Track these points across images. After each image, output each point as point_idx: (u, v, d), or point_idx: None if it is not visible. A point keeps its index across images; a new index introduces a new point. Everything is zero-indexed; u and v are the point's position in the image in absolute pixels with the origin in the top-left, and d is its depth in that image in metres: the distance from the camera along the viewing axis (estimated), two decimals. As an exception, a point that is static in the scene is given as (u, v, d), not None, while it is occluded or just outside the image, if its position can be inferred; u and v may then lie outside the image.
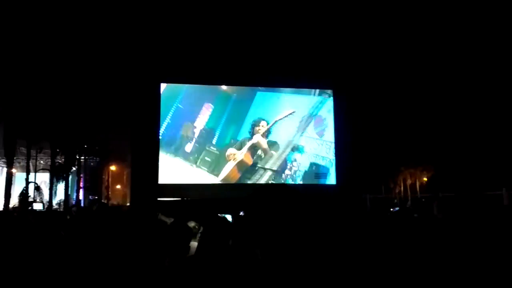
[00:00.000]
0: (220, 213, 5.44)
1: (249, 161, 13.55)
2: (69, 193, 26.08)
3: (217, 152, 13.40)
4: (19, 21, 18.89)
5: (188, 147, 13.28)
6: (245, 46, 14.61)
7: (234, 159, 13.44)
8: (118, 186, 51.26)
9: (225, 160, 13.40)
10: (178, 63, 13.93)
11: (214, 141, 13.47)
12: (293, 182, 13.53)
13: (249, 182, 13.38)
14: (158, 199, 12.21)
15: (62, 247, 3.08)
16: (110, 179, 42.23)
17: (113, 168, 43.06)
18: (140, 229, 2.64)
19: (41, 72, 19.14)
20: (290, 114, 13.84)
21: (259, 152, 13.69)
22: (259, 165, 13.51)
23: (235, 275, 1.54)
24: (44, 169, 25.52)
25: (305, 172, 13.93)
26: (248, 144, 13.58)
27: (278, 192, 1.36)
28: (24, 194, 20.57)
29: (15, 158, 20.50)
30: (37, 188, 23.78)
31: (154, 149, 13.08)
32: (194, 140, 13.39)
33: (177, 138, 13.35)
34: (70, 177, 25.84)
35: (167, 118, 13.37)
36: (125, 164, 39.89)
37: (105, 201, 29.15)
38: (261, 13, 16.19)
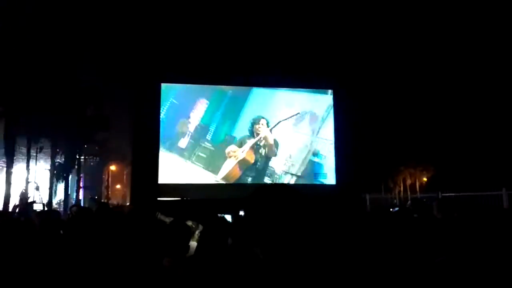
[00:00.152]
0: (219, 213, 5.45)
1: (251, 159, 13.55)
2: (69, 192, 26.09)
3: (212, 148, 13.39)
4: (19, 21, 18.90)
5: (183, 143, 13.28)
6: (244, 46, 14.60)
7: (235, 157, 13.45)
8: (118, 186, 51.32)
9: (221, 157, 13.39)
10: (178, 63, 13.93)
11: (208, 137, 13.47)
12: (293, 182, 13.53)
13: (249, 181, 13.39)
14: (158, 199, 12.22)
15: (62, 247, 3.08)
16: (110, 179, 42.30)
17: (113, 168, 43.13)
18: (140, 228, 2.64)
19: (41, 71, 19.15)
20: (295, 115, 13.86)
21: (262, 151, 13.69)
22: (268, 166, 13.58)
23: (234, 275, 1.54)
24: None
25: (304, 172, 13.93)
26: (250, 142, 13.58)
27: (278, 191, 1.36)
28: (24, 194, 20.56)
29: (14, 157, 20.48)
30: (37, 188, 23.78)
31: (154, 149, 13.08)
32: (189, 135, 13.39)
33: (172, 134, 13.36)
34: (70, 176, 25.85)
35: (161, 114, 13.38)
36: (125, 163, 39.95)
37: (105, 201, 29.14)
38: (260, 12, 16.19)
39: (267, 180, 13.50)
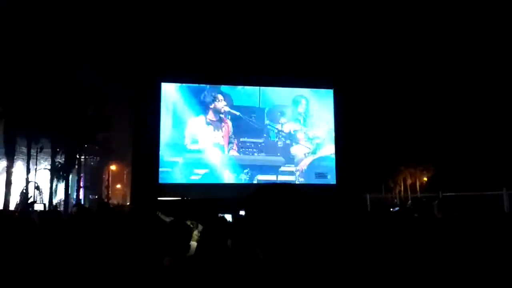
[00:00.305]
0: (220, 213, 5.45)
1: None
2: (69, 192, 26.11)
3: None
4: (20, 20, 18.90)
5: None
6: (243, 46, 14.60)
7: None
8: (118, 186, 51.36)
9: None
10: (179, 63, 13.93)
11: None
12: (293, 181, 13.54)
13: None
14: (158, 198, 12.22)
15: (63, 246, 3.08)
16: (110, 179, 42.33)
17: (113, 167, 43.15)
18: (140, 228, 2.65)
19: (42, 70, 19.16)
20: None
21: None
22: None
23: (234, 275, 1.54)
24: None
25: (305, 171, 13.94)
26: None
27: (280, 191, 1.36)
28: (24, 194, 20.59)
29: (15, 157, 20.49)
30: (37, 188, 23.81)
31: (154, 148, 13.09)
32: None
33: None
34: (70, 176, 25.86)
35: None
36: (125, 163, 39.98)
37: (106, 200, 29.14)
38: (260, 12, 16.19)
39: (266, 177, 13.50)
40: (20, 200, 19.45)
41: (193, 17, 16.39)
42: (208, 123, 13.66)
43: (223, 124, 13.72)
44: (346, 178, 13.79)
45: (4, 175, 20.10)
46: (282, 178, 13.61)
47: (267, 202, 1.31)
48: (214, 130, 13.65)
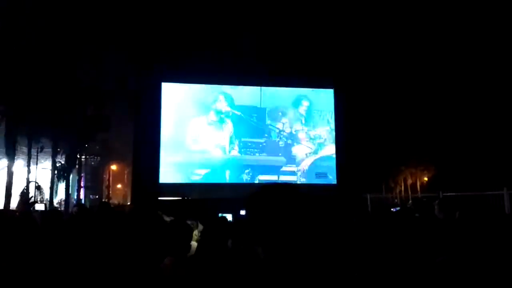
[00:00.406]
0: (220, 213, 5.46)
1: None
2: (70, 192, 26.13)
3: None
4: (20, 21, 18.92)
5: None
6: (244, 46, 14.59)
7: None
8: (119, 186, 51.39)
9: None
10: (179, 63, 13.92)
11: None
12: (294, 181, 13.53)
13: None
14: (159, 198, 12.22)
15: (64, 246, 3.09)
16: (111, 179, 42.35)
17: (113, 167, 43.17)
18: (141, 228, 2.65)
19: (42, 71, 19.16)
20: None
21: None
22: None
23: (235, 274, 1.54)
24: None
25: (306, 171, 13.94)
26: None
27: (281, 191, 1.36)
28: (25, 194, 20.60)
29: (15, 157, 20.50)
30: (38, 188, 23.83)
31: (155, 148, 13.09)
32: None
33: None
34: (71, 176, 25.88)
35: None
36: (125, 163, 39.99)
37: (106, 200, 29.16)
38: (261, 12, 16.18)
39: (267, 177, 13.50)
40: (21, 200, 19.45)
41: (194, 17, 16.38)
42: (209, 123, 13.65)
43: (224, 124, 13.72)
44: (347, 178, 13.79)
45: (5, 175, 20.10)
46: (284, 178, 13.60)
47: (268, 202, 1.32)
48: (215, 130, 13.64)
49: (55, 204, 24.27)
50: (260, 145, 13.82)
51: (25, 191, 21.08)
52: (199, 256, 2.85)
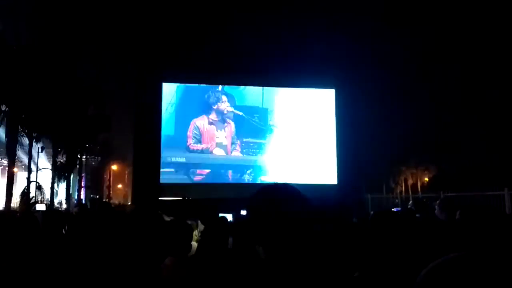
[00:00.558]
0: (220, 213, 5.45)
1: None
2: (71, 192, 26.14)
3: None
4: (21, 20, 18.94)
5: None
6: (246, 46, 14.60)
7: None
8: (120, 186, 51.40)
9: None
10: (179, 63, 13.93)
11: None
12: (294, 181, 13.51)
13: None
14: (160, 198, 12.22)
15: (65, 246, 3.09)
16: (111, 179, 42.36)
17: (114, 167, 43.18)
18: (142, 228, 2.65)
19: (43, 71, 19.17)
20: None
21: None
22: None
23: (236, 274, 1.54)
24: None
25: (307, 171, 13.92)
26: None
27: (282, 191, 1.36)
28: (25, 194, 20.59)
29: (16, 157, 20.51)
30: (39, 188, 23.82)
31: (155, 148, 13.09)
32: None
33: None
34: (72, 176, 25.89)
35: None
36: (126, 163, 40.02)
37: (107, 200, 29.17)
38: (262, 12, 16.20)
39: (269, 178, 13.49)
40: (21, 200, 19.46)
41: (195, 17, 16.41)
42: (210, 123, 13.64)
43: (226, 124, 13.71)
44: (347, 178, 13.80)
45: (5, 175, 20.11)
46: (285, 178, 13.58)
47: (269, 202, 1.32)
48: (217, 130, 13.62)
49: (55, 204, 24.28)
50: (262, 146, 13.81)
51: (25, 191, 21.07)
52: (199, 256, 2.85)
